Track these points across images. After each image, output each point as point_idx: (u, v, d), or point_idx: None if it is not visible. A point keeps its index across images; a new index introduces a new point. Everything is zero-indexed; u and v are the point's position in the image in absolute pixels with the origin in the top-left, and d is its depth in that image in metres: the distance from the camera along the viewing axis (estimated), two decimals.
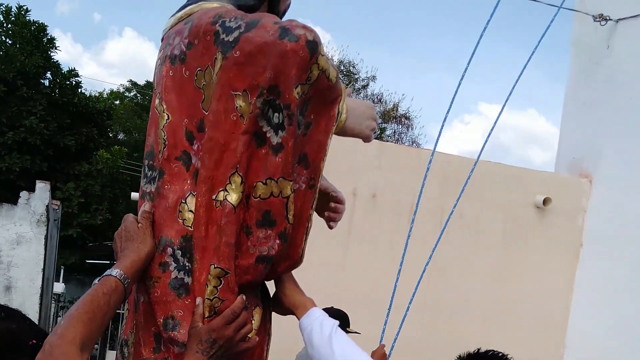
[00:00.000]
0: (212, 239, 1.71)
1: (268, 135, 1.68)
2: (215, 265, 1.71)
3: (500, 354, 2.18)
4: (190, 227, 1.73)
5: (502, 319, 5.74)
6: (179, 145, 1.77)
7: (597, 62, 5.99)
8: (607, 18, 5.84)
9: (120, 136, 28.40)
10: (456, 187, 5.69)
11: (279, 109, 1.66)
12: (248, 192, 1.71)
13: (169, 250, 1.76)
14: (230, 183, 1.69)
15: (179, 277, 1.75)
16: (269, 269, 1.81)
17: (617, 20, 5.82)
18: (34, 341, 2.11)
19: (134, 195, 9.91)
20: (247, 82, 1.64)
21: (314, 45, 1.64)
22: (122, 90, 30.66)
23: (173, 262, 1.76)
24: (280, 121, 1.67)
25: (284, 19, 1.83)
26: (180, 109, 1.77)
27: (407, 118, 20.23)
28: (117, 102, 29.44)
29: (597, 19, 5.81)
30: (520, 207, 5.86)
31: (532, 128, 46.60)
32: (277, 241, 1.75)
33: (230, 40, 1.65)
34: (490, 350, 2.19)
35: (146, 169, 1.86)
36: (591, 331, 5.47)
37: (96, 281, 1.69)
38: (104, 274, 1.70)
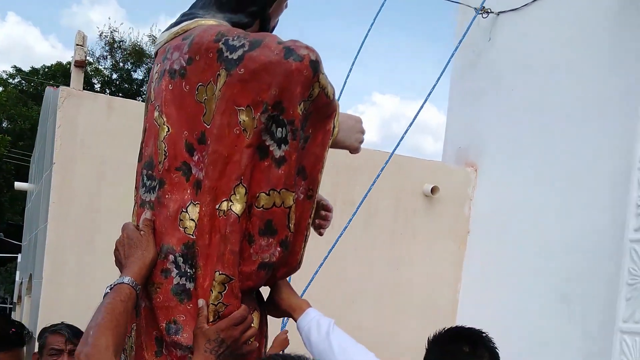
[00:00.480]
0: (216, 246, 1.80)
1: (271, 148, 1.79)
2: (220, 272, 1.80)
3: (477, 330, 2.25)
4: (192, 235, 1.83)
5: (393, 306, 5.86)
6: (179, 156, 1.86)
7: (479, 54, 6.17)
8: (489, 11, 6.01)
9: (4, 124, 27.29)
10: (347, 176, 5.78)
11: (283, 124, 1.78)
12: (250, 202, 1.82)
13: (171, 257, 1.85)
14: (234, 194, 1.79)
15: (180, 283, 1.85)
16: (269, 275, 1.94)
17: (498, 13, 6.01)
18: (14, 329, 2.14)
19: (18, 184, 9.57)
20: (250, 98, 1.75)
21: (316, 65, 1.76)
22: (5, 76, 29.40)
23: (175, 269, 1.85)
24: (284, 135, 1.79)
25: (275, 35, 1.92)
26: (180, 122, 1.86)
27: None
28: (1, 89, 28.24)
29: (479, 12, 5.98)
30: (410, 195, 5.98)
31: (424, 118, 47.71)
32: (278, 249, 1.87)
33: (235, 58, 1.75)
34: (467, 327, 2.30)
35: (145, 179, 1.94)
36: (479, 316, 5.65)
37: (107, 289, 1.78)
38: (116, 282, 1.79)
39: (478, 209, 6.01)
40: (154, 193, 1.90)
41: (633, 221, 4.33)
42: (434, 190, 5.95)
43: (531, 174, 5.46)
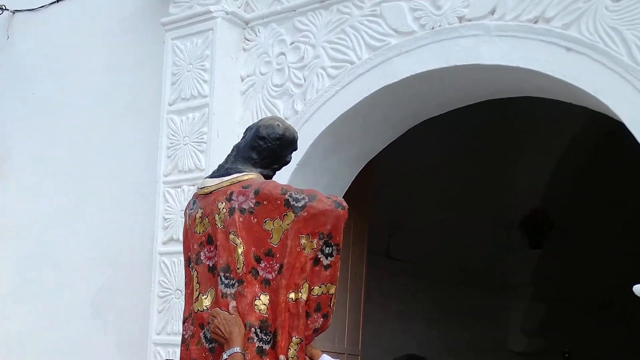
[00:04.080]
0: (287, 320, 2.90)
1: (321, 259, 2.94)
2: (296, 337, 2.91)
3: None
4: (265, 314, 2.90)
5: None
6: (249, 264, 2.93)
7: None
8: (4, 7, 5.66)
9: None
10: None
11: (331, 245, 2.95)
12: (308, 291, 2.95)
13: (252, 329, 2.87)
14: (302, 288, 2.91)
15: (259, 345, 2.86)
16: None
17: (14, 12, 5.68)
18: None
19: None
20: (309, 230, 2.90)
21: (349, 211, 2.97)
22: None
23: (256, 337, 2.87)
24: (330, 252, 2.95)
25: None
26: (249, 242, 2.94)
27: None
28: None
29: None
30: None
31: None
32: (321, 319, 2.98)
33: (299, 205, 2.89)
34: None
35: (223, 278, 2.93)
36: (10, 333, 5.35)
37: (225, 356, 2.78)
38: (232, 352, 2.78)
39: (2, 218, 5.66)
40: (233, 288, 2.91)
41: (161, 234, 4.53)
42: None
43: (61, 183, 5.31)
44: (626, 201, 7.66)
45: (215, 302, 2.95)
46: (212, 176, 3.13)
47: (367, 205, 5.28)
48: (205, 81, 4.42)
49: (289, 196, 2.91)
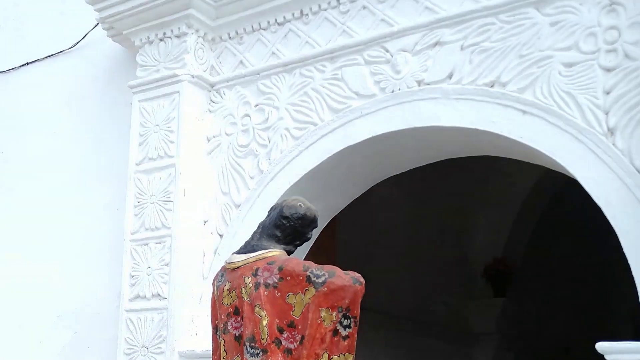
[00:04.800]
0: None
1: (340, 331, 3.13)
2: None
3: None
4: None
5: None
6: (273, 334, 3.18)
7: None
8: None
9: None
10: None
11: (349, 317, 3.13)
12: None
13: None
14: (322, 357, 3.12)
15: None
16: None
17: None
18: None
19: None
20: (329, 304, 3.11)
21: (365, 286, 3.16)
22: None
23: None
24: (348, 324, 3.13)
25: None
26: (272, 314, 3.20)
27: None
28: None
29: None
30: None
31: None
32: None
33: (320, 281, 3.11)
34: None
35: (249, 347, 3.20)
36: None
37: None
38: None
39: None
40: (258, 357, 3.17)
41: (127, 291, 4.55)
42: None
43: (27, 240, 5.30)
44: (583, 250, 7.84)
45: None
46: (239, 252, 3.45)
47: (333, 258, 5.35)
48: (171, 142, 4.50)
49: (310, 273, 3.17)
